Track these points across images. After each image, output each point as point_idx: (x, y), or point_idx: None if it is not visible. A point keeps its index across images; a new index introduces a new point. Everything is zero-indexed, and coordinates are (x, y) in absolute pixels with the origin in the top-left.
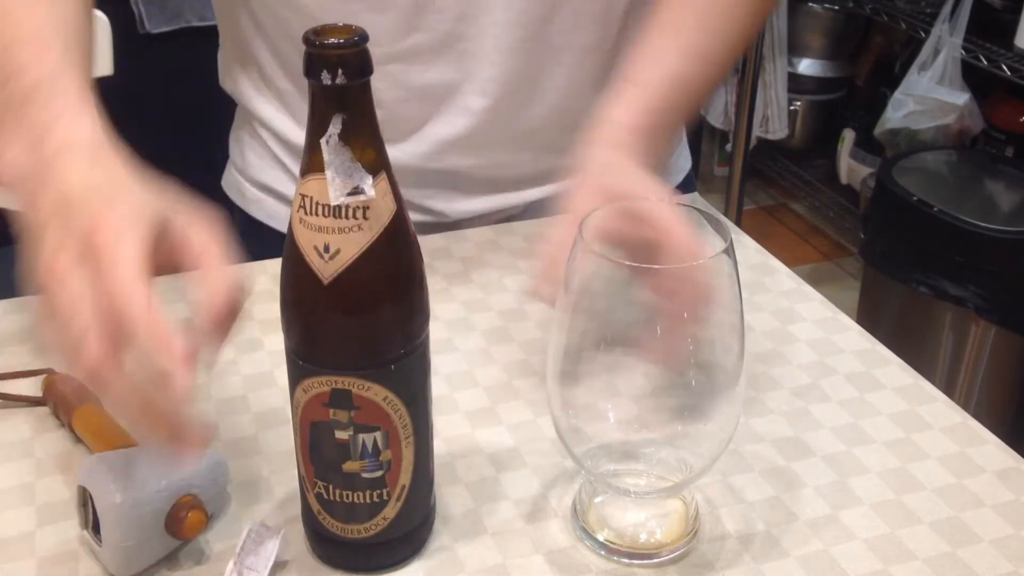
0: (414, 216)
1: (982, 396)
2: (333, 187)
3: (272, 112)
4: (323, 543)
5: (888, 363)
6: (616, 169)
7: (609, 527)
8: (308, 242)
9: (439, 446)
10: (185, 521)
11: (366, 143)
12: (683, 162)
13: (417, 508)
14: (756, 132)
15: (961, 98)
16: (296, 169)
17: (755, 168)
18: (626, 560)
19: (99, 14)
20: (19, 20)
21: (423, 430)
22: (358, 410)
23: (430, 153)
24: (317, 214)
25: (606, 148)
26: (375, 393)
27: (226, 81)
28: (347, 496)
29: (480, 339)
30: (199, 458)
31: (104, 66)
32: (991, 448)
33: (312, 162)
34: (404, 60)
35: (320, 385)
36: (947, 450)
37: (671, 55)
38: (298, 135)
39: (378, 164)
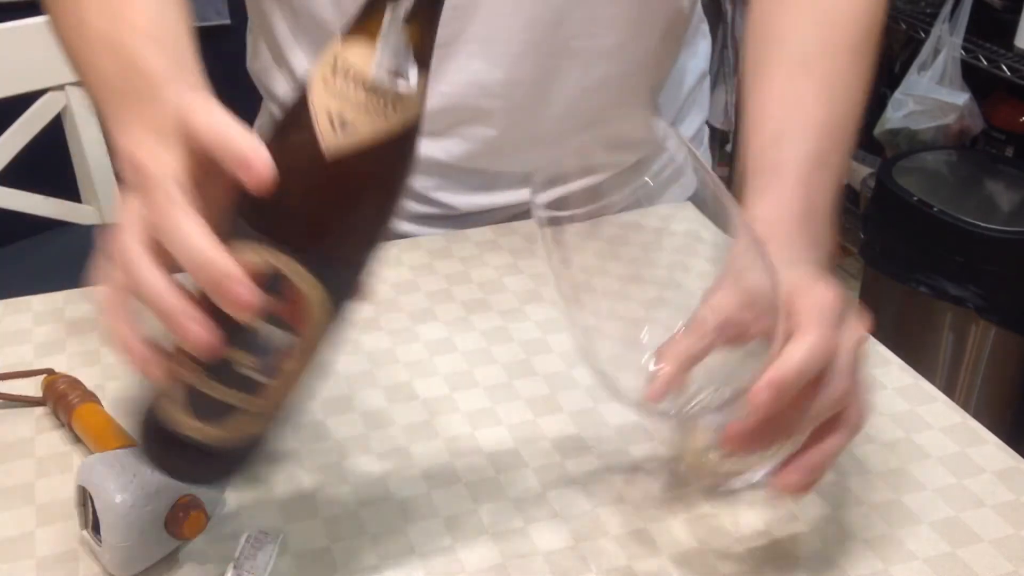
0: (421, 208)
1: (982, 396)
2: (379, 59)
3: (286, 88)
4: (155, 437)
5: (888, 363)
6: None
7: None
8: (323, 106)
9: (439, 446)
10: (185, 521)
11: (425, 34)
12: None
13: (265, 436)
14: None
15: (961, 98)
16: None
17: None
18: None
19: None
20: (133, 17)
21: (313, 366)
22: (282, 300)
23: (440, 148)
24: (347, 80)
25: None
26: (309, 289)
27: (253, 63)
28: (215, 388)
29: (480, 339)
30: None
31: None
32: (991, 448)
33: (364, 25)
34: None
35: (258, 254)
36: (947, 450)
37: (800, 133)
38: None
39: (425, 61)
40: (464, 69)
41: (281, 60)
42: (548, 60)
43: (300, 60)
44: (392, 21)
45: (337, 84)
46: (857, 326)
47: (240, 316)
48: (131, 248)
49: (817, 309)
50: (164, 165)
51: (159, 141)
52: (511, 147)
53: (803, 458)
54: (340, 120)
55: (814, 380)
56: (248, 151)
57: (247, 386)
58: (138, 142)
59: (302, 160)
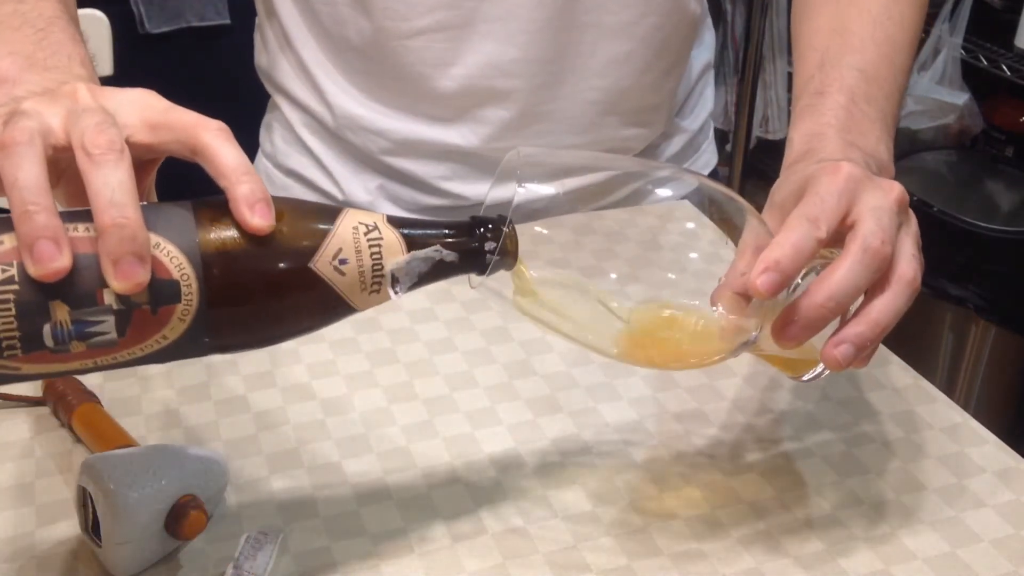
0: (431, 200)
1: (982, 396)
2: (399, 264)
3: (292, 79)
4: None
5: (888, 363)
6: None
7: None
8: (343, 237)
9: (439, 446)
10: (185, 521)
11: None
12: (708, 157)
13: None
14: (756, 132)
15: (961, 98)
16: (321, 151)
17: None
18: None
19: (99, 14)
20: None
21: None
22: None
23: (456, 133)
24: (367, 242)
25: (790, 170)
26: (178, 267)
27: (260, 57)
28: (5, 318)
29: (480, 339)
30: (199, 458)
31: (104, 66)
32: (991, 448)
33: (417, 237)
34: (427, 36)
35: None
36: (947, 450)
37: (846, 51)
38: (319, 106)
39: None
40: (478, 50)
41: (287, 47)
42: (562, 36)
43: (307, 47)
44: (435, 258)
45: (360, 239)
46: (889, 187)
47: (38, 271)
48: (27, 134)
49: (816, 189)
50: (114, 106)
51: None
52: (528, 129)
53: (849, 326)
54: (339, 259)
55: (834, 244)
56: (265, 197)
57: (31, 340)
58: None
59: (283, 245)
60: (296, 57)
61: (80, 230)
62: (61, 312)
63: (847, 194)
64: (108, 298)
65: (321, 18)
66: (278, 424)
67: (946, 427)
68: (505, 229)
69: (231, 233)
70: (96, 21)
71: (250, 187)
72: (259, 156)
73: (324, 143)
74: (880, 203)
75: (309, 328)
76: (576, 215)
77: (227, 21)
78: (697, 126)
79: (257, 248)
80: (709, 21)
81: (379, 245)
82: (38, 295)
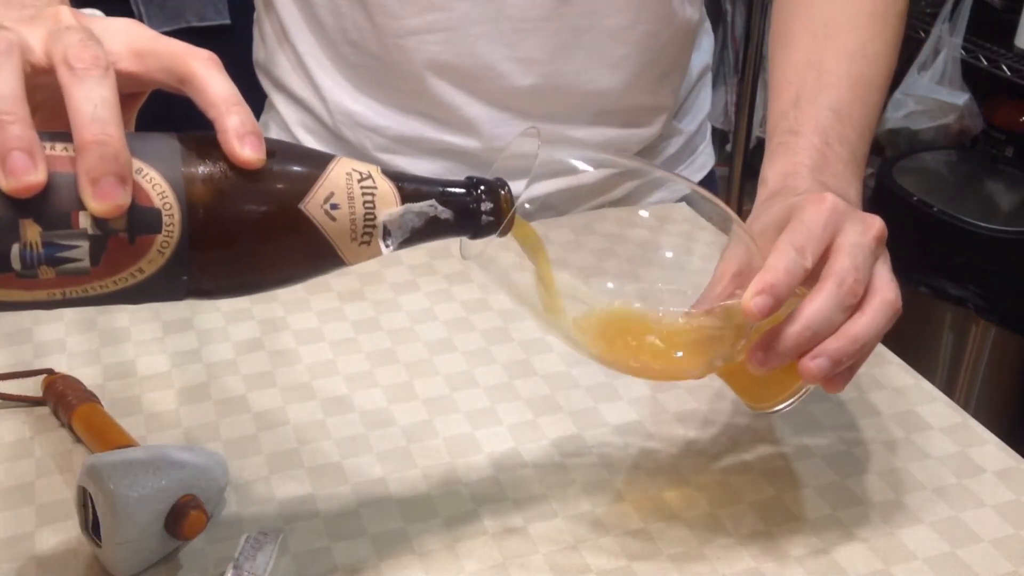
0: None
1: (982, 396)
2: (393, 215)
3: (289, 73)
4: None
5: (888, 363)
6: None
7: None
8: (334, 183)
9: (439, 446)
10: (185, 521)
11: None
12: (705, 158)
13: None
14: (756, 132)
15: (961, 98)
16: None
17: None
18: None
19: (99, 14)
20: None
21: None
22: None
23: (450, 132)
24: (361, 191)
25: (764, 205)
26: (160, 194)
27: (258, 52)
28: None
29: (480, 339)
30: (199, 458)
31: None
32: (991, 448)
33: (412, 190)
34: (420, 36)
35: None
36: (947, 450)
37: (820, 90)
38: (315, 100)
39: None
40: (472, 52)
41: (284, 42)
42: (555, 39)
43: (304, 41)
44: (429, 213)
45: (354, 186)
46: (870, 221)
47: (10, 184)
48: (4, 43)
49: (802, 218)
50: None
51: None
52: (522, 128)
53: (828, 340)
54: (330, 203)
55: (816, 278)
56: (256, 130)
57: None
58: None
59: (272, 181)
60: (293, 51)
61: (58, 149)
62: (32, 232)
63: (831, 225)
64: (84, 221)
65: (318, 12)
66: (278, 424)
67: (946, 427)
68: (503, 192)
69: (219, 165)
70: None
71: (240, 118)
72: None
73: (320, 142)
74: (859, 239)
75: (292, 277)
76: (575, 216)
77: (227, 21)
78: (694, 128)
79: (245, 183)
80: (708, 25)
81: (372, 194)
82: (8, 211)
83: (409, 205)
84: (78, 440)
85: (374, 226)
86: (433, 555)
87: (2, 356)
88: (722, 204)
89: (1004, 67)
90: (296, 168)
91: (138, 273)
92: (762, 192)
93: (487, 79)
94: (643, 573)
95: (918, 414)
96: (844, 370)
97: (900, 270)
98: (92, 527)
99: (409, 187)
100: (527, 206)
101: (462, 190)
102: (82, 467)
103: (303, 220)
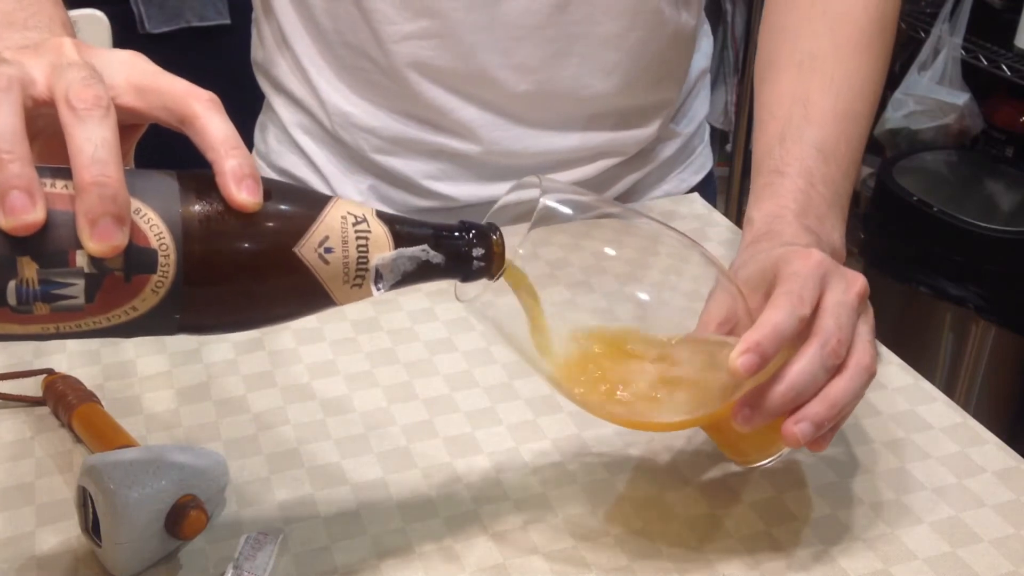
0: (421, 202)
1: (982, 396)
2: (385, 260)
3: (287, 74)
4: None
5: (888, 363)
6: (759, 254)
7: None
8: (330, 225)
9: (439, 446)
10: (185, 521)
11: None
12: (703, 160)
13: None
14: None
15: (961, 98)
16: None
17: None
18: None
19: (99, 14)
20: None
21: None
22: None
23: (445, 136)
24: (356, 235)
25: (751, 248)
26: (156, 235)
27: (256, 52)
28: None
29: (480, 339)
30: (199, 458)
31: None
32: (991, 448)
33: (404, 233)
34: (414, 41)
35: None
36: (947, 450)
37: (805, 127)
38: (312, 101)
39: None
40: (466, 57)
41: (283, 43)
42: (550, 46)
43: (302, 42)
44: (421, 257)
45: (348, 230)
46: (853, 279)
47: (9, 223)
48: (5, 79)
49: (791, 275)
50: (102, 67)
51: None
52: (516, 132)
53: (809, 405)
54: (325, 247)
55: (804, 337)
56: (254, 173)
57: None
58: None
59: (266, 226)
60: (291, 53)
61: (57, 186)
62: (29, 270)
63: (820, 280)
64: (80, 260)
65: (316, 15)
66: (278, 424)
67: (946, 427)
68: (494, 236)
69: (216, 207)
70: (96, 21)
71: (239, 162)
72: (252, 155)
73: (317, 143)
74: (842, 298)
75: (283, 316)
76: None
77: (227, 21)
78: (692, 130)
79: (241, 225)
80: (707, 28)
81: (366, 238)
82: (6, 249)
83: (402, 250)
84: (78, 440)
85: (367, 269)
86: (433, 555)
87: (2, 356)
88: (703, 250)
89: (1004, 67)
90: (292, 210)
91: (132, 311)
92: (748, 233)
93: (482, 85)
94: (643, 573)
95: (918, 414)
96: (827, 431)
97: (900, 270)
98: (92, 527)
99: (403, 231)
100: (520, 251)
101: (454, 234)
102: (82, 467)
103: (297, 263)
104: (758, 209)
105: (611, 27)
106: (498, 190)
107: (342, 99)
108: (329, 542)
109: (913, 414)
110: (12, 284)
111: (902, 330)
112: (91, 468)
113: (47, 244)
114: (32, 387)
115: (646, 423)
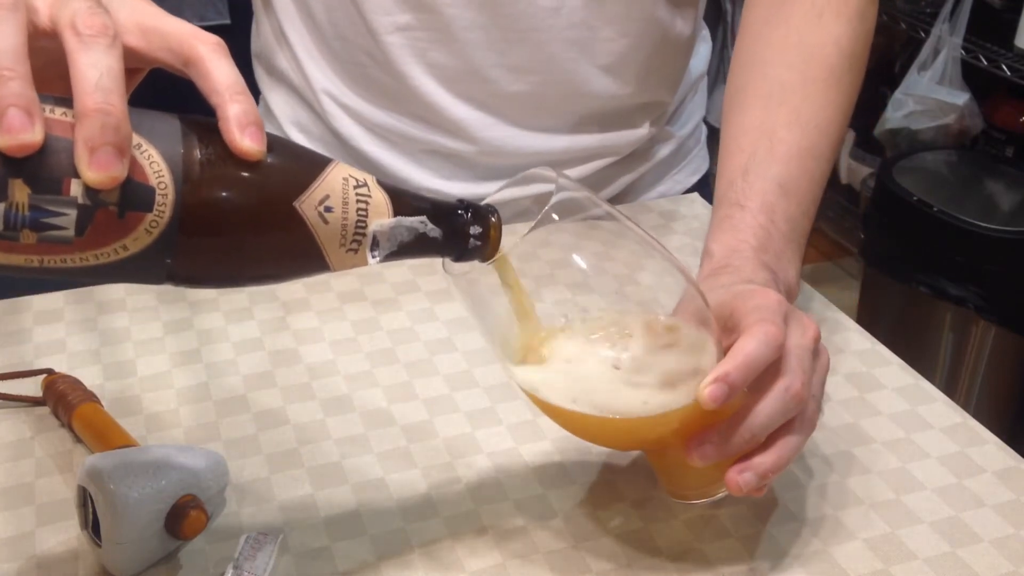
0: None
1: (982, 396)
2: (383, 227)
3: (284, 64)
4: None
5: (888, 363)
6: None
7: None
8: (330, 186)
9: (438, 446)
10: (185, 521)
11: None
12: (699, 162)
13: None
14: None
15: (961, 98)
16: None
17: None
18: None
19: None
20: None
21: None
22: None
23: (437, 132)
24: (355, 198)
25: (709, 280)
26: (154, 167)
27: (255, 42)
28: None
29: (480, 339)
30: (199, 458)
31: None
32: (991, 448)
33: (403, 200)
34: (406, 32)
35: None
36: (947, 450)
37: (768, 162)
38: (308, 93)
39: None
40: (458, 54)
41: (280, 34)
42: (546, 48)
43: (298, 32)
44: (419, 229)
45: (349, 192)
46: (808, 325)
47: (4, 141)
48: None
49: (757, 308)
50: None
51: None
52: (509, 131)
53: (758, 457)
54: (325, 205)
55: (767, 380)
56: (258, 120)
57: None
58: None
59: (266, 174)
60: (287, 44)
61: (57, 113)
62: (20, 193)
63: (783, 318)
64: (75, 189)
65: (311, 5)
66: (278, 424)
67: (946, 427)
68: (492, 219)
69: (218, 152)
70: None
71: (243, 108)
72: None
73: (312, 140)
74: (801, 341)
75: (274, 275)
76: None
77: (227, 21)
78: (687, 132)
79: (242, 173)
80: (706, 33)
81: (367, 202)
82: None
83: (400, 218)
84: (78, 440)
85: (364, 234)
86: (433, 555)
87: (2, 356)
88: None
89: (1004, 67)
90: (295, 165)
91: (121, 250)
92: (707, 265)
93: (475, 83)
94: (643, 573)
95: (918, 414)
96: (768, 481)
97: (900, 270)
98: (92, 527)
99: (403, 200)
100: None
101: (454, 211)
102: (82, 467)
103: (296, 218)
104: (717, 241)
105: (606, 32)
106: (490, 189)
107: (337, 92)
108: (329, 542)
109: (913, 414)
110: (1, 206)
111: (902, 330)
112: (91, 468)
113: (42, 169)
114: (32, 387)
115: (601, 419)
